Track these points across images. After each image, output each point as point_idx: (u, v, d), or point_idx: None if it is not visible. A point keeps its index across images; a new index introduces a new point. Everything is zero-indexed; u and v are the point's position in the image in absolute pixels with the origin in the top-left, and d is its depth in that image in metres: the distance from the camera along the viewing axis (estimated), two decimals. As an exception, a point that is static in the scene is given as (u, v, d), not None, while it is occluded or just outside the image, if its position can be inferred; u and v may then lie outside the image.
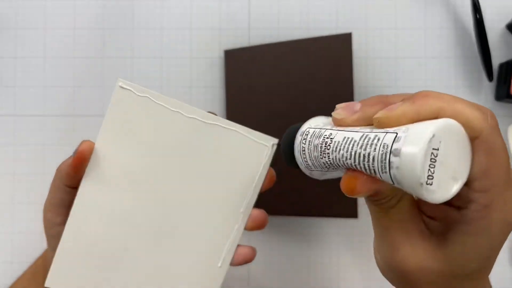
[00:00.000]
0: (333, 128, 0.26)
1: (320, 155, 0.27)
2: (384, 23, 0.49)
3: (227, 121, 0.33)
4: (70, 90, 0.49)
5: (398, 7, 0.49)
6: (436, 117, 0.22)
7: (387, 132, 0.22)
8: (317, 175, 0.29)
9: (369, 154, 0.23)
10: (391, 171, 0.22)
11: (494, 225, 0.23)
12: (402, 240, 0.26)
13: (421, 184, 0.21)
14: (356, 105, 0.25)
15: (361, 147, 0.23)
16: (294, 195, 0.45)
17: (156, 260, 0.33)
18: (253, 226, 0.34)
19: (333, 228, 0.49)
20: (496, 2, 0.49)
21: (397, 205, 0.26)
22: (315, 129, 0.28)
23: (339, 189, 0.47)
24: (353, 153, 0.24)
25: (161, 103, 0.32)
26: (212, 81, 0.49)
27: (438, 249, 0.25)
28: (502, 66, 0.47)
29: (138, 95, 0.32)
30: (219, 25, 0.50)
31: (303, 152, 0.28)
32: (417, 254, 0.25)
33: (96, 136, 0.32)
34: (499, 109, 0.49)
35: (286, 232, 0.49)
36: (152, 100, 0.32)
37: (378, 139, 0.23)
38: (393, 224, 0.27)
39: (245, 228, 0.34)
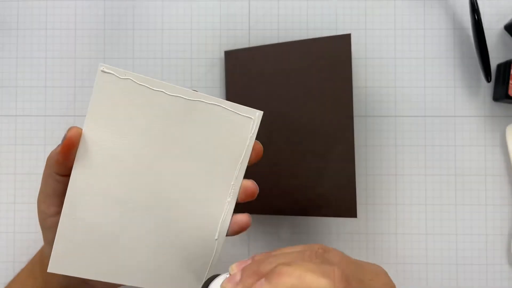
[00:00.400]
0: None
1: None
2: (383, 24, 0.50)
3: (211, 96, 0.33)
4: (71, 90, 0.50)
5: (397, 8, 0.50)
6: None
7: None
8: None
9: None
10: None
11: None
12: None
13: None
14: (237, 276, 0.29)
15: None
16: (294, 195, 0.46)
17: (153, 238, 0.34)
18: (245, 197, 0.35)
19: (332, 228, 0.49)
20: (494, 3, 0.49)
21: None
22: None
23: (339, 189, 0.47)
24: None
25: (144, 84, 0.32)
26: (212, 81, 0.50)
27: None
28: (500, 66, 0.48)
29: (121, 78, 0.32)
30: (219, 25, 0.50)
31: None
32: None
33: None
34: (497, 110, 0.49)
35: (286, 232, 0.49)
36: (135, 82, 0.32)
37: None
38: None
39: (238, 200, 0.35)
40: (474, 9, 0.46)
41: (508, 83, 0.46)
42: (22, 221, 0.49)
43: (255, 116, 0.34)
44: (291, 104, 0.46)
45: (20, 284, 0.42)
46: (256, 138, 0.35)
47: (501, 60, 0.49)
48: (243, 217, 0.35)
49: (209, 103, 0.33)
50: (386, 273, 0.30)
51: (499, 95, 0.47)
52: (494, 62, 0.49)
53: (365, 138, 0.49)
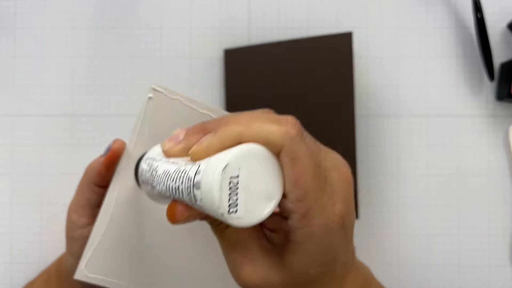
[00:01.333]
0: (162, 160, 0.26)
1: (151, 187, 0.27)
2: (384, 22, 0.49)
3: None
4: (69, 89, 0.49)
5: (399, 6, 0.49)
6: (239, 143, 0.22)
7: (193, 165, 0.23)
8: (162, 203, 0.29)
9: (178, 187, 0.23)
10: (197, 203, 0.22)
11: (316, 232, 0.23)
12: (242, 259, 0.26)
13: (222, 214, 0.21)
14: (181, 134, 0.26)
15: (173, 180, 0.24)
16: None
17: (187, 251, 0.34)
18: None
19: (333, 228, 0.49)
20: (497, 1, 0.49)
21: (229, 226, 0.26)
22: (148, 160, 0.28)
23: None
24: (168, 186, 0.24)
25: (191, 105, 0.33)
26: (212, 80, 0.49)
27: (279, 262, 0.25)
28: (503, 65, 0.47)
29: (170, 97, 0.33)
30: (219, 24, 0.49)
31: (143, 184, 0.29)
32: (260, 270, 0.26)
33: (101, 135, 0.32)
34: (500, 109, 0.49)
35: (286, 232, 0.49)
36: (182, 102, 0.33)
37: (185, 172, 0.23)
38: (231, 245, 0.27)
39: None
40: (477, 8, 0.46)
41: (511, 82, 0.46)
42: (19, 222, 0.49)
43: None
44: (292, 104, 0.45)
45: None
46: None
47: (505, 59, 0.48)
48: None
49: None
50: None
51: (502, 95, 0.47)
52: (497, 61, 0.48)
53: (367, 138, 0.49)
